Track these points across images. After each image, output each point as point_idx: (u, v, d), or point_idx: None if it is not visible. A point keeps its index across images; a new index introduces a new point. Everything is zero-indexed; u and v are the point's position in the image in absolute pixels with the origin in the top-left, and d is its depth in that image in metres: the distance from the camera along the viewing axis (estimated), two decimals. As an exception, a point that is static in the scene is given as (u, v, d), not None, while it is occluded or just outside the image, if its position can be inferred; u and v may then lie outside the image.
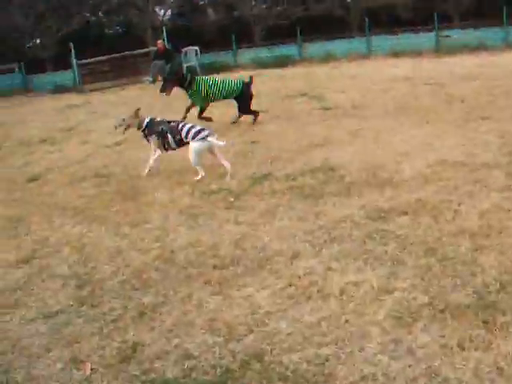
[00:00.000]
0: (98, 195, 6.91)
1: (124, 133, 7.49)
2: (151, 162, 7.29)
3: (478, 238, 4.56)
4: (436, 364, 3.10)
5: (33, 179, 8.32)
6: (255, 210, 5.69)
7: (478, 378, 2.97)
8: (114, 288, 4.47)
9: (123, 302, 4.24)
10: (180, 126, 7.13)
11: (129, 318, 4.00)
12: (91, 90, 21.77)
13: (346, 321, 3.60)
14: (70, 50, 23.57)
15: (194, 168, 7.00)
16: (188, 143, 6.99)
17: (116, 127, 7.28)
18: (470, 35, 21.63)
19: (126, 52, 24.30)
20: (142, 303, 4.17)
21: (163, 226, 5.60)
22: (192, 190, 6.58)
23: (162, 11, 33.44)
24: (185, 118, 9.91)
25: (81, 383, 3.40)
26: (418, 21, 25.75)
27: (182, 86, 10.30)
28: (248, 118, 10.40)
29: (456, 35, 22.37)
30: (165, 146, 7.21)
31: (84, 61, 24.13)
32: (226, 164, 6.94)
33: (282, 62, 21.78)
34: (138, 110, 7.30)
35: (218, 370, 3.30)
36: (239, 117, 10.43)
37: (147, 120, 7.21)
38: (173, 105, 13.71)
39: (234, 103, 10.41)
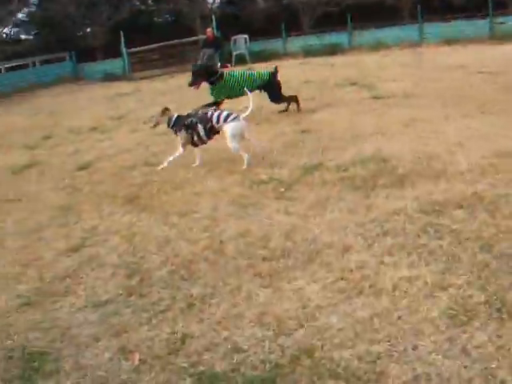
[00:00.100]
0: (147, 184, 6.91)
1: (154, 128, 7.48)
2: (172, 158, 7.19)
3: (538, 234, 4.39)
4: (492, 366, 2.97)
5: (82, 167, 8.38)
6: (305, 200, 5.59)
7: (539, 382, 2.85)
8: (163, 278, 4.46)
9: (172, 292, 4.22)
10: (209, 113, 7.16)
11: (177, 309, 3.97)
12: (141, 78, 21.92)
13: (399, 317, 3.50)
14: (120, 39, 23.76)
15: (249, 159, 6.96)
16: (218, 132, 7.08)
17: (145, 122, 7.30)
18: (526, 22, 21.05)
19: (175, 40, 24.36)
20: (190, 294, 4.14)
21: (212, 216, 5.56)
22: (242, 179, 6.51)
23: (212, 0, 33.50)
24: None
25: (129, 374, 3.38)
26: (471, 7, 25.11)
27: (209, 80, 10.00)
28: (301, 106, 10.31)
29: (511, 22, 21.74)
30: (194, 139, 7.16)
31: (134, 49, 24.32)
32: (263, 145, 7.13)
33: (331, 50, 21.58)
34: (166, 109, 7.26)
35: (267, 365, 3.24)
36: (287, 106, 10.32)
37: (175, 117, 7.19)
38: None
39: (265, 95, 10.23)
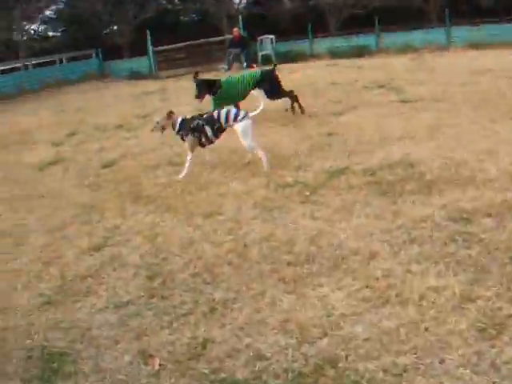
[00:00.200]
0: (171, 184, 6.87)
1: (162, 133, 7.24)
2: (187, 165, 7.03)
3: None
4: (523, 383, 2.88)
5: (107, 165, 8.38)
6: (331, 205, 5.51)
7: None
8: (185, 281, 4.41)
9: (194, 295, 4.17)
10: (216, 113, 7.07)
11: (199, 313, 3.93)
12: (166, 77, 21.94)
13: (426, 329, 3.41)
14: (147, 37, 23.81)
15: (269, 159, 6.89)
16: (224, 130, 7.01)
17: (152, 130, 7.15)
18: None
19: (202, 40, 24.35)
20: (213, 298, 4.09)
21: (236, 218, 5.50)
22: (267, 181, 6.44)
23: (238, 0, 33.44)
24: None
25: (148, 379, 3.35)
26: (499, 10, 24.76)
27: (210, 92, 9.88)
28: (324, 108, 10.23)
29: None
30: (201, 141, 7.05)
31: (160, 48, 24.35)
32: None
33: (358, 52, 21.40)
34: (171, 112, 7.10)
35: (290, 373, 3.19)
36: (292, 105, 10.32)
37: (179, 120, 7.04)
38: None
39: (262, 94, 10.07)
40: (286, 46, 23.94)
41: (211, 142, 7.13)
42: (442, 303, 3.65)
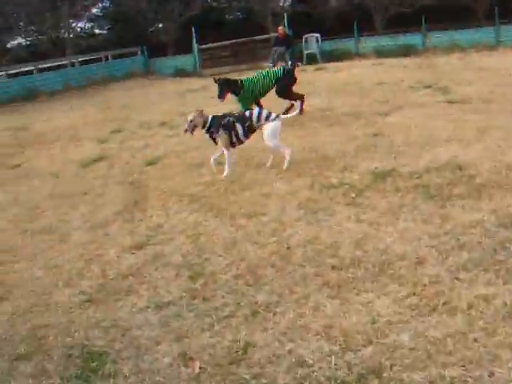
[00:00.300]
0: (215, 183, 6.82)
1: (192, 134, 7.10)
2: (228, 163, 6.99)
3: None
4: None
5: (151, 163, 8.39)
6: (377, 208, 5.38)
7: None
8: (228, 282, 4.36)
9: (236, 297, 4.11)
10: (248, 112, 7.07)
11: (241, 316, 3.86)
12: (210, 75, 21.94)
13: (475, 340, 3.28)
14: (192, 35, 23.87)
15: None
16: (255, 131, 6.96)
17: (186, 130, 6.95)
18: None
19: (247, 38, 24.33)
20: (255, 301, 4.02)
21: (280, 220, 5.42)
22: (311, 182, 6.33)
23: (283, -2, 33.31)
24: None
25: (188, 382, 3.30)
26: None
27: (233, 91, 9.84)
28: (370, 108, 10.11)
29: None
30: (232, 139, 6.97)
31: (205, 45, 24.40)
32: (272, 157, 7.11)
33: (404, 51, 21.10)
34: (202, 111, 7.01)
35: (333, 382, 3.11)
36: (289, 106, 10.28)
37: (210, 118, 6.94)
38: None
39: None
40: (331, 45, 23.76)
41: (241, 142, 7.07)
42: (492, 313, 3.51)
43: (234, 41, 24.46)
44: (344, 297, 3.90)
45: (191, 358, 3.48)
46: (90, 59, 26.28)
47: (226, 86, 9.70)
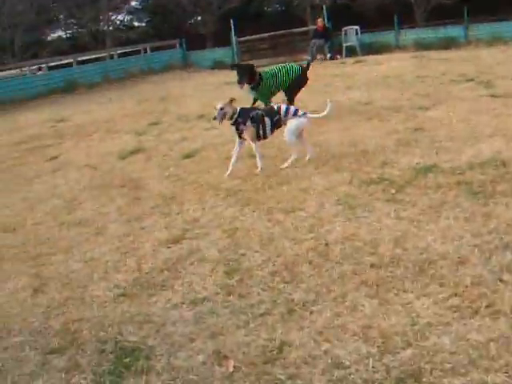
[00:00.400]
0: (252, 177, 6.74)
1: (221, 123, 6.93)
2: (258, 156, 6.88)
3: None
4: None
5: (188, 156, 8.34)
6: (418, 204, 5.23)
7: None
8: (264, 279, 4.28)
9: (272, 295, 4.03)
10: (275, 106, 6.99)
11: (277, 314, 3.78)
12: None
13: (520, 345, 3.14)
14: (230, 27, 23.83)
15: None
16: (281, 126, 6.86)
17: (215, 118, 6.78)
18: None
19: (285, 30, 24.19)
20: (291, 299, 3.93)
21: (318, 215, 5.31)
22: (350, 177, 6.20)
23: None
24: None
25: (222, 381, 3.23)
26: None
27: (250, 84, 9.46)
28: (411, 102, 9.94)
29: None
30: (259, 133, 6.85)
31: (243, 38, 24.34)
32: (310, 149, 7.03)
33: (445, 44, 20.73)
34: (233, 99, 6.89)
35: (370, 385, 3.00)
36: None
37: (238, 109, 6.80)
38: (332, 84, 13.48)
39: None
40: (370, 37, 23.48)
41: (265, 137, 6.96)
42: (538, 318, 3.37)
43: (272, 33, 24.34)
44: (383, 296, 3.79)
45: (225, 357, 3.42)
46: (129, 52, 26.41)
47: (247, 74, 9.39)
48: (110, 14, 31.25)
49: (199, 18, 32.79)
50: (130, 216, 6.11)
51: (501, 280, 3.80)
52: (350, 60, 19.59)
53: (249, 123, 6.74)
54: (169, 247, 5.13)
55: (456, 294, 3.70)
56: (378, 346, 3.29)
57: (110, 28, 31.18)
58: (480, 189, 5.42)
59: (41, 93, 20.88)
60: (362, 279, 4.03)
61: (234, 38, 24.25)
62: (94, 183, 7.66)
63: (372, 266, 4.20)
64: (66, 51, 27.77)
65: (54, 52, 28.19)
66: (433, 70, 13.90)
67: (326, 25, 22.35)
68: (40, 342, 3.91)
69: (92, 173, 8.27)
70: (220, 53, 25.52)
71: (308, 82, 9.89)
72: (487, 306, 3.52)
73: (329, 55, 21.69)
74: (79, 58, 24.30)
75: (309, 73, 9.81)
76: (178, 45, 26.52)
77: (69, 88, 21.49)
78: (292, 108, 6.91)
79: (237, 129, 6.84)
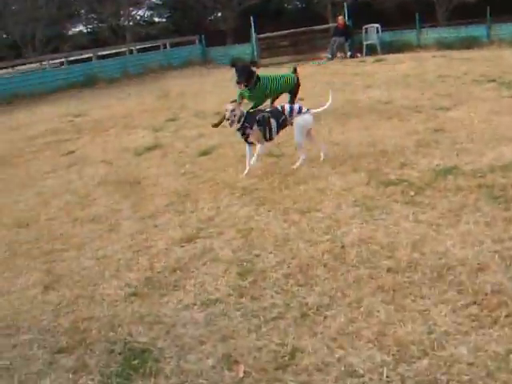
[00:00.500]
0: (268, 176, 6.64)
1: (234, 126, 6.68)
2: (255, 157, 6.70)
3: None
4: None
5: (204, 153, 8.26)
6: (437, 208, 5.10)
7: None
8: (278, 281, 4.19)
9: (285, 298, 3.94)
10: (279, 107, 6.89)
11: (290, 318, 3.69)
12: (268, 65, 21.79)
13: (541, 357, 3.02)
14: (250, 24, 23.74)
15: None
16: (286, 126, 6.79)
17: (228, 119, 6.56)
18: None
19: (305, 28, 24.04)
20: (305, 302, 3.84)
21: (335, 217, 5.20)
22: (368, 178, 6.08)
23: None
24: None
25: (232, 386, 3.15)
26: None
27: (247, 84, 9.02)
28: (432, 102, 9.78)
29: None
30: (265, 135, 6.73)
31: (262, 35, 24.24)
32: (323, 147, 6.99)
33: (467, 44, 20.50)
34: (240, 103, 6.80)
35: (385, 395, 2.90)
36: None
37: (245, 113, 6.67)
38: (352, 83, 13.35)
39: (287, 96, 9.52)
40: (391, 36, 23.26)
41: (271, 139, 6.85)
42: (560, 328, 3.25)
43: (292, 30, 24.18)
44: (399, 303, 3.68)
45: (236, 361, 3.33)
46: (148, 47, 26.40)
47: (246, 74, 9.06)
48: (131, 9, 31.25)
49: (219, 15, 32.71)
50: (143, 213, 6.04)
51: (522, 288, 3.68)
52: (371, 58, 19.41)
53: (255, 127, 6.63)
54: (182, 246, 5.06)
55: (475, 302, 3.58)
56: (393, 355, 3.19)
57: (131, 23, 31.15)
58: (501, 193, 5.28)
59: (60, 87, 20.93)
60: (379, 284, 3.92)
61: (253, 35, 24.16)
62: (108, 179, 7.60)
63: (389, 270, 4.09)
64: (86, 46, 27.83)
65: (74, 46, 28.22)
66: (454, 70, 13.71)
67: (347, 22, 22.20)
68: (49, 340, 3.85)
69: (107, 168, 8.22)
70: (239, 49, 25.42)
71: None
72: (507, 316, 3.41)
73: (349, 53, 21.54)
74: (99, 53, 24.31)
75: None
76: (197, 41, 26.46)
77: (88, 82, 21.52)
78: (296, 106, 6.83)
79: (243, 133, 6.70)
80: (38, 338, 3.89)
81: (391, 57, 18.83)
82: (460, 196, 5.32)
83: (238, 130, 6.67)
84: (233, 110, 6.54)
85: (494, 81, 11.67)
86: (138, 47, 25.90)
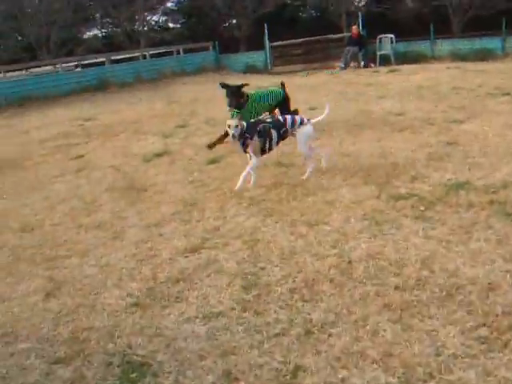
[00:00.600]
0: (277, 186, 6.54)
1: (239, 139, 6.54)
2: (247, 170, 6.55)
3: None
4: None
5: (213, 161, 8.18)
6: (447, 223, 4.99)
7: None
8: (282, 296, 4.09)
9: (290, 314, 3.84)
10: (281, 118, 6.80)
11: (294, 335, 3.59)
12: (280, 73, 21.72)
13: (553, 384, 2.91)
14: (264, 32, 23.71)
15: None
16: (287, 137, 6.71)
17: (233, 135, 6.39)
18: None
19: (319, 36, 23.98)
20: (310, 319, 3.74)
21: (343, 230, 5.10)
22: (378, 191, 5.97)
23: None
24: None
25: (231, 406, 3.06)
26: None
27: (238, 105, 8.85)
28: (445, 115, 9.66)
29: None
30: (265, 147, 6.62)
31: (276, 43, 24.21)
32: (326, 154, 6.98)
33: (482, 56, 20.36)
34: (242, 115, 6.68)
35: (389, 420, 2.80)
36: None
37: (245, 124, 6.55)
38: (365, 93, 13.25)
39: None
40: (405, 46, 23.14)
41: (270, 149, 6.75)
42: None
43: (306, 39, 24.16)
44: (406, 322, 3.57)
45: (236, 379, 3.24)
46: (162, 52, 26.39)
47: (236, 94, 8.97)
48: (146, 14, 31.26)
49: (234, 22, 32.71)
50: (149, 221, 5.96)
51: (534, 310, 3.57)
52: (384, 69, 19.31)
53: (256, 138, 6.53)
54: (186, 256, 4.97)
55: (485, 324, 3.47)
56: (398, 377, 3.09)
57: (145, 28, 31.17)
58: (514, 210, 5.15)
59: (74, 90, 20.93)
60: (385, 302, 3.82)
61: (267, 43, 24.13)
62: (116, 185, 7.53)
63: (396, 287, 3.99)
64: (100, 49, 27.90)
65: (88, 50, 28.25)
66: (468, 82, 13.58)
67: (361, 32, 22.14)
68: (47, 350, 3.79)
69: (115, 174, 8.15)
70: (253, 57, 25.42)
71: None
72: (518, 339, 3.29)
73: (363, 63, 21.45)
74: (112, 57, 24.32)
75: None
76: (211, 47, 26.45)
77: (101, 86, 21.53)
78: (297, 117, 6.75)
79: (242, 144, 6.57)
80: (36, 348, 3.82)
81: (405, 67, 18.72)
82: (471, 212, 5.21)
83: (239, 140, 6.54)
84: (237, 126, 6.42)
85: (508, 94, 11.53)
86: (151, 52, 25.89)
